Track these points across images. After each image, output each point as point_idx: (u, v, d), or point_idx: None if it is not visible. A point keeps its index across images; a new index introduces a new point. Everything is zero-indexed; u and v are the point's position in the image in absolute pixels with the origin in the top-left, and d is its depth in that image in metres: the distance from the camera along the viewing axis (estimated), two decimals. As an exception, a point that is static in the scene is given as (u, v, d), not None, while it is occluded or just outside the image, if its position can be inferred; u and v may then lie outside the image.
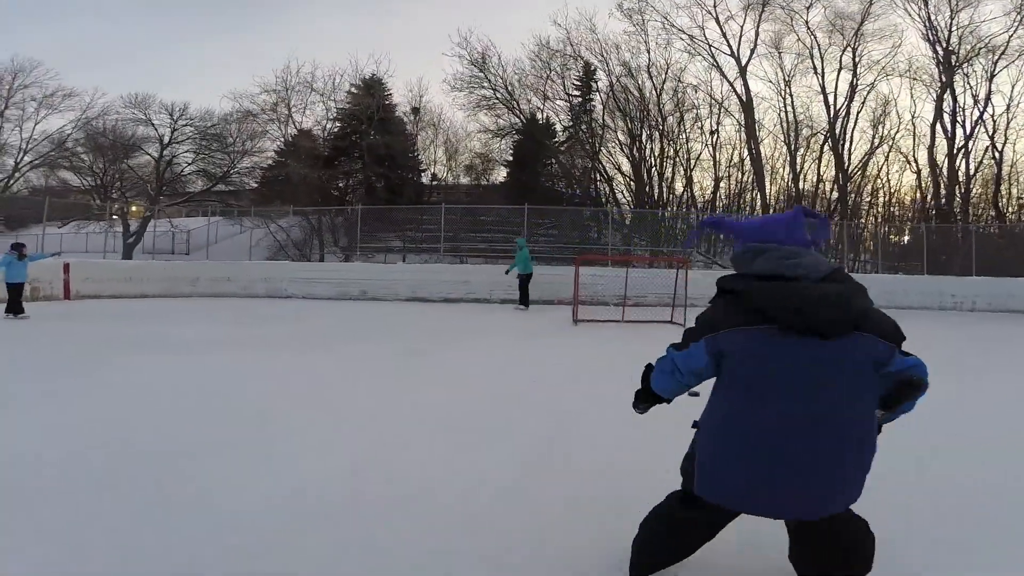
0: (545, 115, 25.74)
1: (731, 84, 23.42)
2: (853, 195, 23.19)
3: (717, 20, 23.05)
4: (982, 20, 20.50)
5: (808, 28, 22.46)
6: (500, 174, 27.13)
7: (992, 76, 20.93)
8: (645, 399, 1.62)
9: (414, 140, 27.23)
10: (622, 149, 25.18)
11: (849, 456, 1.26)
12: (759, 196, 23.56)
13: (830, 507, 1.28)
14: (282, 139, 24.38)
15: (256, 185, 25.56)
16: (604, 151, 25.38)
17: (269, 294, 12.66)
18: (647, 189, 24.37)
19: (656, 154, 24.59)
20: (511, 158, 25.99)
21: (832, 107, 22.65)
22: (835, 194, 23.24)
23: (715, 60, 23.50)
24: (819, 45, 22.54)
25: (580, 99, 25.86)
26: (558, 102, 25.66)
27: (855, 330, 1.24)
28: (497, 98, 24.47)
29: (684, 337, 1.45)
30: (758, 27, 22.88)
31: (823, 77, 22.78)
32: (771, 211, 22.01)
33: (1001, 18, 20.26)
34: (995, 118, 21.30)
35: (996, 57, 20.51)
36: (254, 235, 19.17)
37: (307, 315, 9.45)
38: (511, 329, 8.21)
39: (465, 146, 27.52)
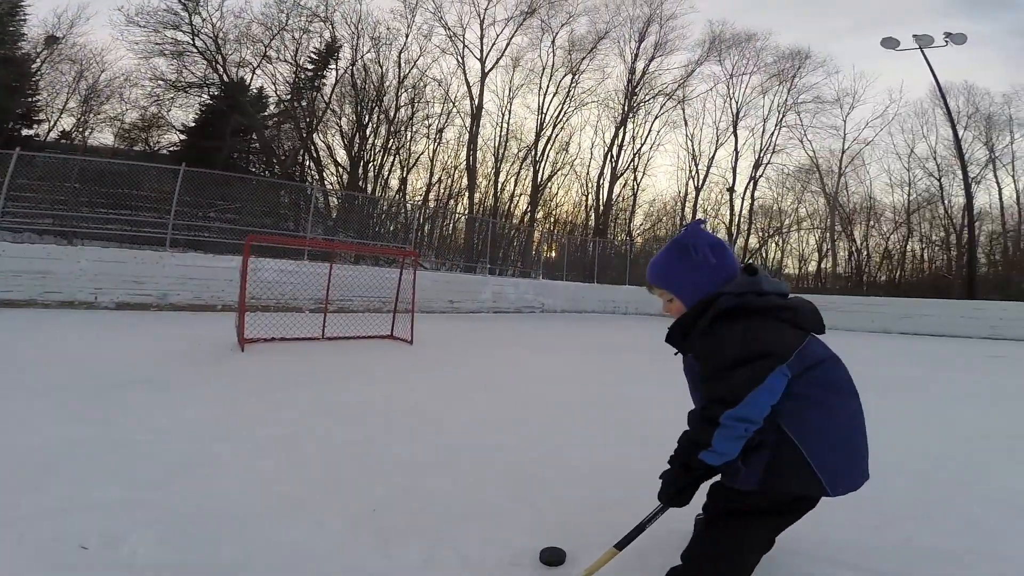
0: (257, 80, 20.74)
1: (469, 88, 23.39)
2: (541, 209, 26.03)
3: (482, 23, 22.87)
4: (666, 69, 25.79)
5: (553, 47, 24.22)
6: (172, 139, 20.40)
7: (655, 119, 26.53)
8: (693, 486, 1.44)
9: (32, 78, 17.90)
10: (343, 136, 22.22)
11: None
12: (468, 203, 23.99)
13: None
14: None
15: None
16: (321, 134, 21.94)
17: None
18: (360, 183, 21.98)
19: (378, 147, 22.57)
20: (193, 123, 19.74)
21: (542, 126, 24.88)
22: (517, 209, 25.59)
23: (463, 62, 23.20)
24: (554, 65, 24.54)
25: (312, 72, 21.71)
26: (281, 67, 20.92)
27: None
28: (196, 47, 18.34)
29: (740, 376, 1.27)
30: (512, 37, 23.58)
31: (544, 96, 24.78)
32: (476, 217, 22.50)
33: (675, 70, 25.88)
34: (640, 155, 27.01)
35: (663, 102, 26.07)
36: None
37: None
38: (103, 364, 4.34)
39: (122, 97, 19.69)
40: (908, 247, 25.29)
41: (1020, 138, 22.92)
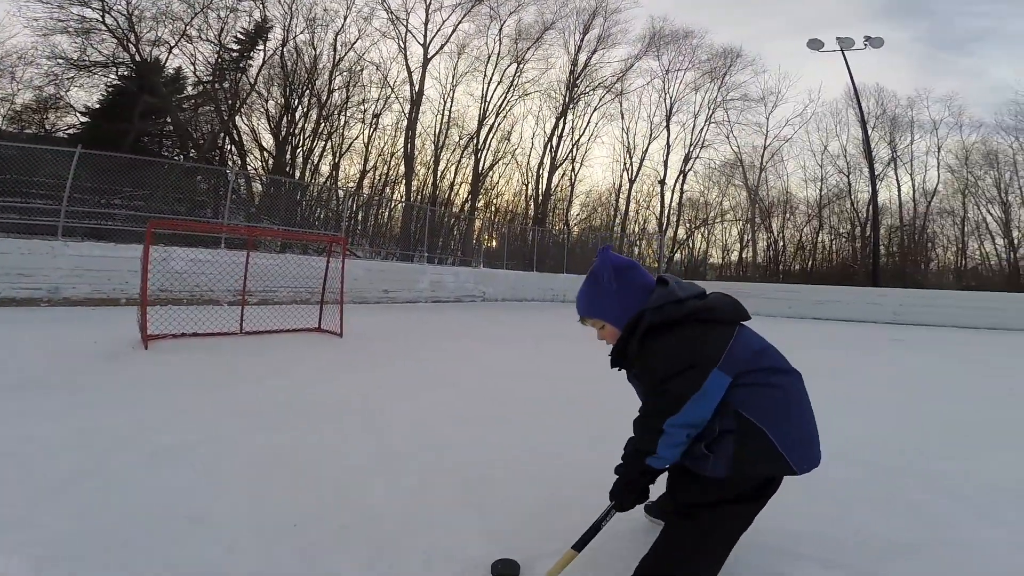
0: (174, 60, 19.25)
1: (410, 74, 22.70)
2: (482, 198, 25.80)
3: (427, 8, 22.10)
4: (607, 62, 26.04)
5: (500, 35, 23.89)
6: (71, 122, 18.59)
7: (594, 111, 26.82)
8: (643, 489, 1.52)
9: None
10: (269, 120, 20.89)
11: None
12: (406, 191, 23.27)
13: None
14: None
15: None
16: (244, 118, 20.58)
17: None
18: (288, 169, 20.78)
19: (308, 132, 21.45)
20: (98, 105, 18.03)
21: (485, 114, 24.57)
22: (458, 198, 25.32)
23: (405, 46, 22.61)
24: (499, 53, 24.22)
25: (237, 52, 20.11)
26: (203, 47, 19.27)
27: None
28: (105, 24, 16.53)
29: (676, 387, 1.34)
30: (459, 24, 22.93)
31: (488, 84, 24.46)
32: (413, 204, 21.95)
33: (615, 63, 26.21)
34: (578, 146, 27.33)
35: (602, 95, 26.38)
36: None
37: None
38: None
39: (14, 76, 17.81)
40: (819, 238, 27.37)
41: (919, 139, 25.38)
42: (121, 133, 17.27)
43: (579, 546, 1.58)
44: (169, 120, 19.67)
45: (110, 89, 18.64)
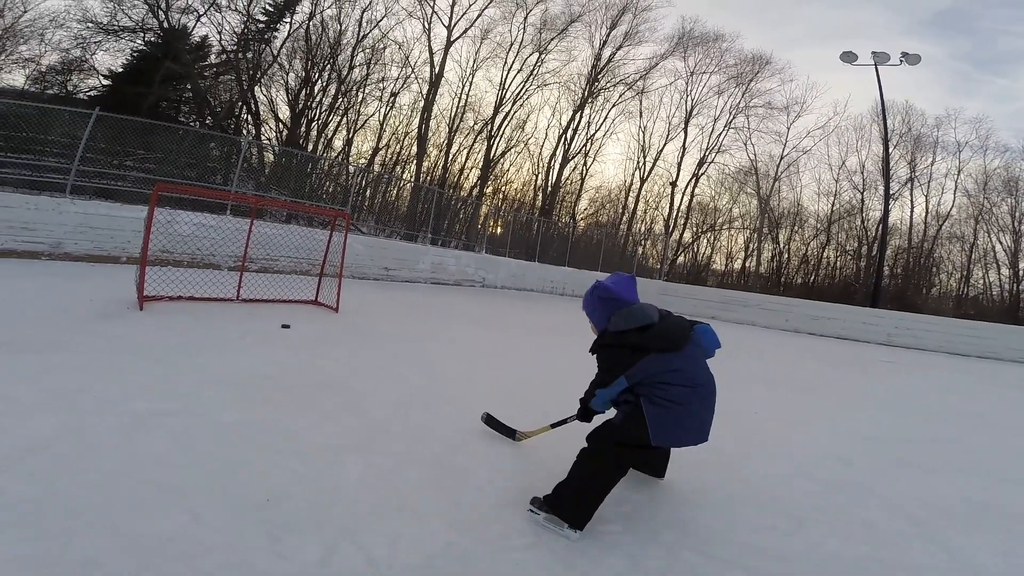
0: (201, 29, 19.46)
1: (431, 55, 22.71)
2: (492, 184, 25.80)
3: None
4: (631, 59, 25.83)
5: (525, 23, 23.77)
6: (93, 84, 18.84)
7: (612, 107, 26.60)
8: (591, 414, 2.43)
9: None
10: (287, 92, 21.01)
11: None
12: (416, 171, 23.27)
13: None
14: None
15: None
16: (263, 88, 20.69)
17: None
18: (301, 142, 20.84)
19: (325, 106, 21.52)
20: (121, 69, 18.30)
21: (502, 101, 24.45)
22: (467, 182, 25.29)
23: (429, 27, 22.47)
24: (522, 41, 24.11)
25: (264, 24, 20.16)
26: (231, 16, 19.47)
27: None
28: None
29: (606, 376, 2.23)
30: (485, 8, 22.84)
31: (508, 72, 24.35)
32: (422, 185, 21.93)
33: (640, 61, 25.96)
34: (593, 140, 27.13)
35: (623, 91, 26.19)
36: None
37: None
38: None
39: (43, 38, 18.01)
40: (824, 254, 27.21)
41: (941, 160, 24.92)
42: (140, 97, 17.38)
43: (556, 425, 2.63)
44: (189, 87, 19.75)
45: (135, 54, 18.78)
